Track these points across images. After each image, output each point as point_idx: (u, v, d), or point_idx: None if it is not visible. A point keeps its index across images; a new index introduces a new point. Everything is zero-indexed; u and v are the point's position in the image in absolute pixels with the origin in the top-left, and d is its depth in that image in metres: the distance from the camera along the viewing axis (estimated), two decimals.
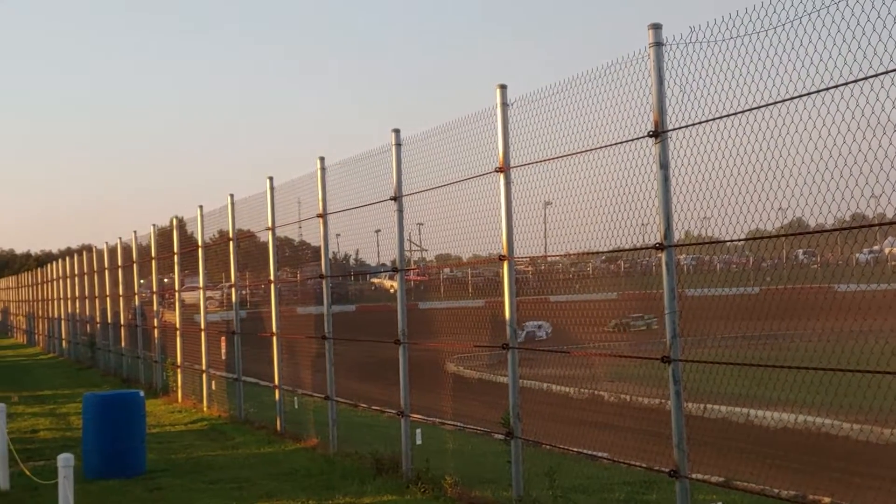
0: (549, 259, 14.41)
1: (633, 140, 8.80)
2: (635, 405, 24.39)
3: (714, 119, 7.98)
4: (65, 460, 9.09)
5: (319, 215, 15.59)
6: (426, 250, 16.74)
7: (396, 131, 12.97)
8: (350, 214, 15.02)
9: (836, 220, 7.61)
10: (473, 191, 11.54)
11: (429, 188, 12.46)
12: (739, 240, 8.44)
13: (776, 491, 9.65)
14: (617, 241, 9.43)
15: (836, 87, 6.92)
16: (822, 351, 9.52)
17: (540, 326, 15.81)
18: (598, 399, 27.84)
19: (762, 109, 7.57)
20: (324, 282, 15.55)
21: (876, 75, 6.72)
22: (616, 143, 9.04)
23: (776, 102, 7.41)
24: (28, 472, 12.76)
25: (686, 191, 8.35)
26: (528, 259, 13.74)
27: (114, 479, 13.44)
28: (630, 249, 9.49)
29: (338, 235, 17.16)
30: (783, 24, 7.39)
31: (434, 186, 12.35)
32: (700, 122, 8.10)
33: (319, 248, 15.84)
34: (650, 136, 8.48)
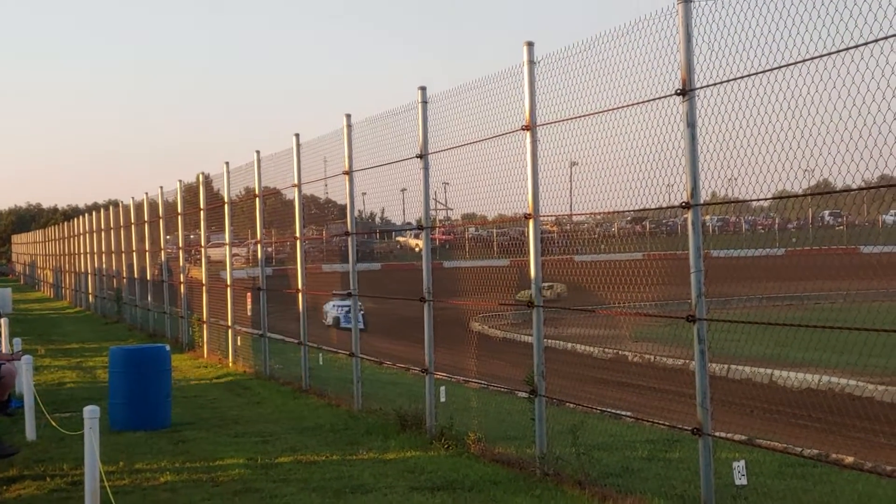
0: (574, 219, 14.39)
1: (660, 98, 8.75)
2: (659, 365, 24.44)
3: (742, 77, 7.93)
4: (91, 412, 9.19)
5: (345, 172, 15.60)
6: (451, 209, 16.76)
7: (423, 89, 12.94)
8: (376, 173, 15.02)
9: (863, 182, 7.56)
10: (500, 149, 11.51)
11: (455, 146, 12.44)
12: (765, 199, 8.41)
13: (798, 449, 9.67)
14: (643, 202, 9.40)
15: (866, 44, 6.85)
16: (847, 311, 9.50)
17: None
18: (622, 359, 27.93)
19: (790, 68, 7.51)
20: (349, 239, 15.58)
21: None
22: (643, 102, 8.99)
23: (804, 61, 7.35)
24: (55, 424, 12.91)
25: (713, 150, 8.31)
26: (553, 219, 13.73)
27: (139, 432, 13.59)
28: (657, 209, 9.47)
29: (364, 194, 17.19)
30: None
31: (460, 144, 12.33)
32: (728, 81, 8.05)
33: (345, 206, 15.86)
34: (678, 95, 8.43)
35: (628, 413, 14.18)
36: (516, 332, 28.99)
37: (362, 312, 34.18)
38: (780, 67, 7.61)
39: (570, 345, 28.20)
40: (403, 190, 14.84)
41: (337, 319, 31.32)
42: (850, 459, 9.39)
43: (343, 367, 16.35)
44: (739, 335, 8.64)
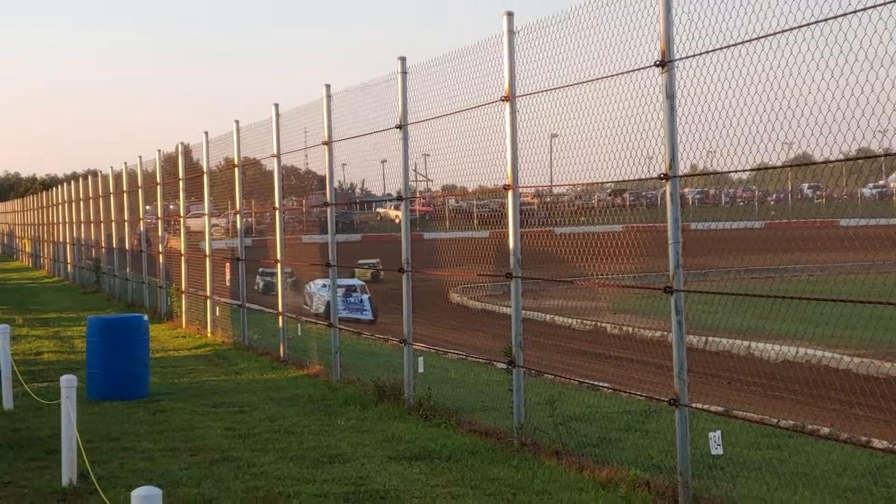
0: (554, 191, 14.38)
1: (639, 69, 8.73)
2: (637, 337, 24.53)
3: (721, 48, 7.91)
4: (68, 381, 9.17)
5: (325, 142, 15.54)
6: (432, 181, 16.73)
7: (402, 59, 12.88)
8: (356, 145, 14.98)
9: (842, 155, 7.58)
10: (480, 120, 11.49)
11: (434, 117, 12.41)
12: (742, 170, 8.41)
13: (775, 420, 9.73)
14: (623, 174, 9.40)
15: (844, 15, 6.84)
16: (825, 284, 9.54)
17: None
18: (601, 331, 28.01)
19: (770, 39, 7.50)
20: (328, 209, 15.54)
21: (884, 3, 6.64)
22: (622, 73, 8.97)
23: (783, 31, 7.33)
24: (32, 393, 12.87)
25: (692, 123, 8.29)
26: (533, 191, 13.72)
27: (117, 401, 13.56)
28: (635, 180, 9.47)
29: (343, 165, 17.13)
30: None
31: (439, 115, 12.30)
32: (707, 52, 8.03)
33: (325, 176, 15.81)
34: (657, 66, 8.41)
35: (606, 384, 14.24)
36: (495, 303, 29.02)
37: (368, 297, 33.57)
38: (759, 38, 7.59)
39: (549, 316, 28.25)
40: (384, 161, 14.81)
41: (327, 306, 27.89)
42: (825, 430, 9.46)
43: (322, 338, 16.34)
44: (718, 307, 8.66)
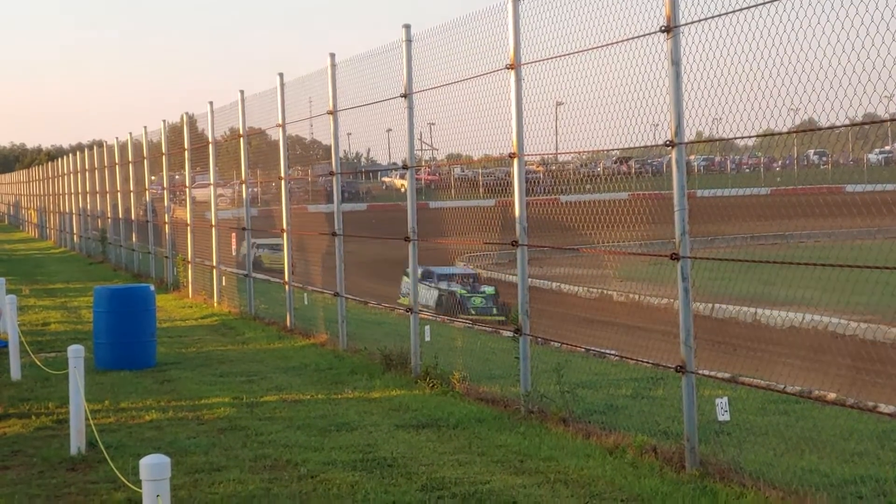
0: (560, 160, 14.35)
1: (644, 36, 8.68)
2: (644, 305, 24.54)
3: (727, 14, 7.85)
4: (75, 351, 9.19)
5: (330, 112, 15.50)
6: (437, 149, 16.68)
7: (407, 27, 12.82)
8: (362, 114, 14.94)
9: (848, 121, 7.54)
10: (485, 89, 11.45)
11: (439, 85, 12.37)
12: (747, 136, 8.38)
13: (781, 386, 9.74)
14: (628, 142, 9.37)
15: None
16: (831, 250, 9.52)
17: None
18: (608, 299, 28.00)
19: (775, 4, 7.45)
20: (334, 179, 15.52)
21: None
22: (628, 39, 8.93)
23: None
24: (39, 363, 12.91)
25: (698, 89, 8.26)
26: (538, 159, 13.68)
27: (124, 371, 13.61)
28: (641, 147, 9.45)
29: (349, 135, 17.11)
30: None
31: (444, 84, 12.26)
32: (713, 17, 7.98)
33: (330, 146, 15.78)
34: (662, 32, 8.36)
35: (613, 352, 14.25)
36: (501, 271, 29.01)
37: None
38: (764, 3, 7.54)
39: (556, 285, 28.25)
40: (389, 130, 14.77)
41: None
42: (832, 396, 9.48)
43: (328, 307, 16.36)
44: (724, 273, 8.66)
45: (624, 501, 7.54)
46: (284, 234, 17.76)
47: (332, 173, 15.59)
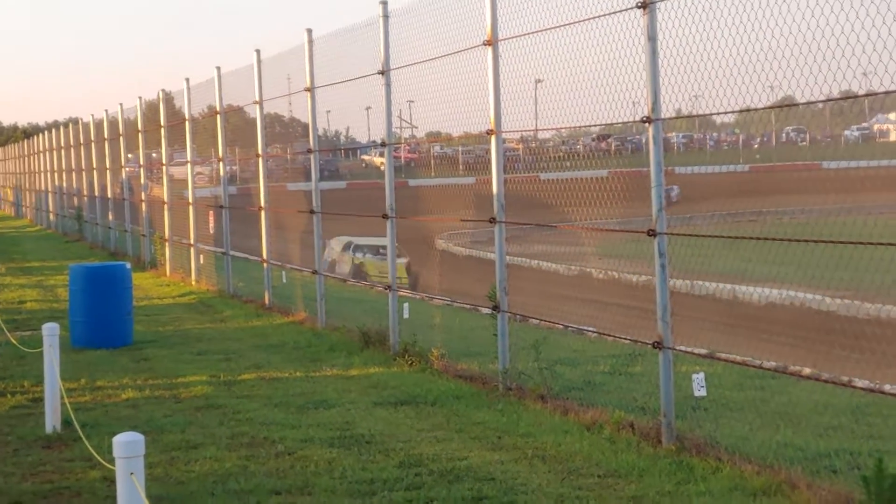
0: (539, 137, 14.33)
1: (621, 11, 8.65)
2: (623, 282, 24.58)
3: None
4: (50, 329, 9.14)
5: (307, 89, 15.42)
6: (416, 127, 16.64)
7: (384, 2, 12.75)
8: (341, 91, 14.86)
9: (825, 97, 7.54)
10: (464, 66, 11.41)
11: (417, 62, 12.32)
12: (724, 112, 8.36)
13: (758, 362, 9.77)
14: (607, 118, 9.35)
15: None
16: (809, 226, 9.54)
17: None
18: (587, 276, 28.04)
19: None
20: (312, 156, 15.46)
21: None
22: (604, 15, 8.89)
23: None
24: (15, 342, 12.84)
25: (676, 65, 8.24)
26: (518, 137, 13.66)
27: (100, 350, 13.54)
28: (618, 123, 9.43)
29: (328, 112, 17.02)
30: None
31: (422, 60, 12.21)
32: None
33: (308, 124, 15.71)
34: (638, 7, 8.33)
35: (591, 328, 14.27)
36: (480, 249, 29.02)
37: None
38: None
39: (535, 262, 28.27)
40: (368, 108, 14.73)
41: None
42: (807, 371, 9.51)
43: (307, 285, 16.33)
44: (703, 250, 8.66)
45: (601, 477, 7.56)
46: (262, 212, 17.68)
47: (309, 151, 15.53)
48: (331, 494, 7.29)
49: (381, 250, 26.09)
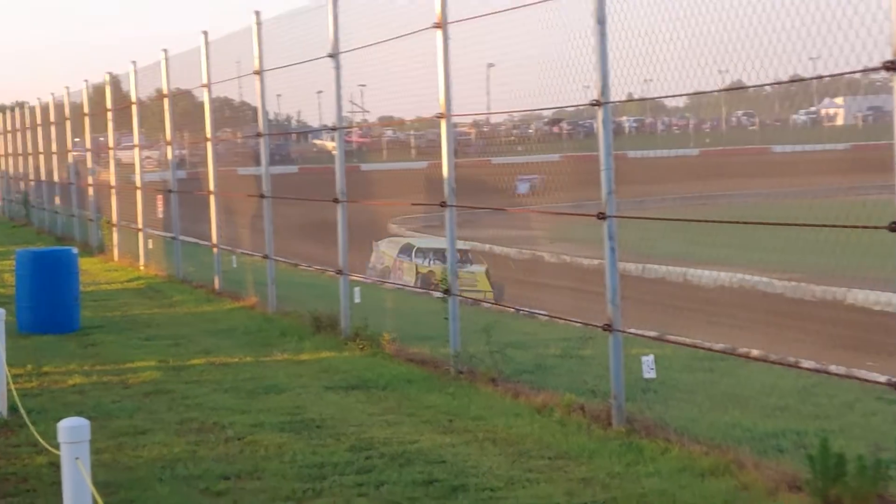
0: (492, 122, 14.35)
1: None
2: (575, 265, 24.70)
3: None
4: None
5: (256, 72, 15.29)
6: (368, 112, 16.58)
7: None
8: (291, 75, 14.75)
9: (774, 81, 7.60)
10: (414, 49, 11.37)
11: (368, 45, 12.25)
12: (674, 95, 8.41)
13: (707, 344, 9.85)
14: (557, 102, 9.37)
15: None
16: (758, 209, 9.60)
17: None
18: (539, 260, 28.16)
19: None
20: (261, 140, 15.35)
21: None
22: None
23: None
24: None
25: (627, 49, 8.25)
26: (470, 121, 13.67)
27: (47, 335, 13.36)
28: (569, 107, 9.47)
29: (278, 96, 16.91)
30: None
31: (373, 43, 12.14)
32: None
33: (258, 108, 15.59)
34: None
35: (543, 311, 14.33)
36: (433, 233, 29.02)
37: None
38: None
39: (487, 246, 28.34)
40: (320, 92, 14.65)
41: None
42: (756, 352, 9.60)
43: (257, 269, 16.24)
44: (653, 234, 8.71)
45: (551, 459, 7.57)
46: (211, 197, 17.54)
47: (259, 134, 15.42)
48: (280, 479, 7.25)
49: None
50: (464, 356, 10.48)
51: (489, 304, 12.17)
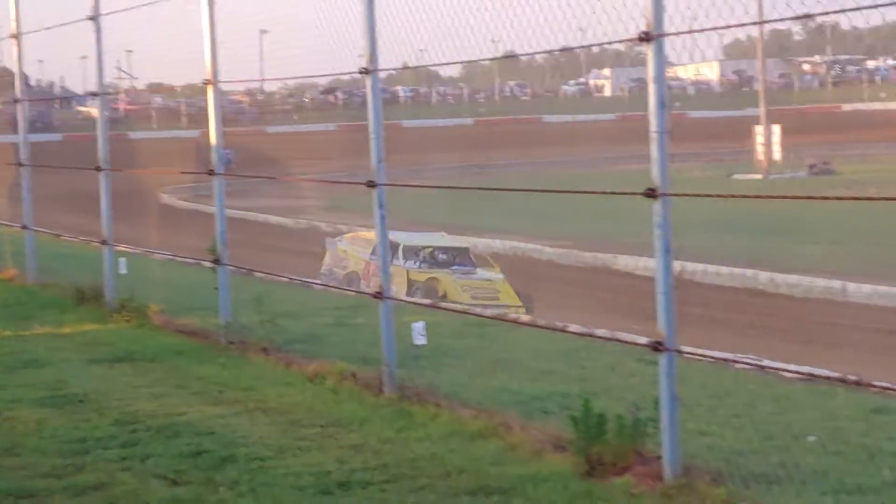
0: (266, 90, 14.12)
1: None
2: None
3: None
4: None
5: (13, 35, 14.57)
6: (136, 78, 16.06)
7: None
8: (54, 40, 14.15)
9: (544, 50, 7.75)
10: (182, 13, 11.08)
11: (132, 7, 11.85)
12: (446, 63, 8.47)
13: (478, 310, 10.03)
14: (330, 71, 9.30)
15: None
16: (531, 178, 9.80)
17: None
18: (316, 230, 28.07)
19: None
20: (18, 106, 14.68)
21: None
22: None
23: None
24: None
25: (399, 17, 8.25)
26: (243, 89, 13.40)
27: None
28: (340, 75, 9.41)
29: (41, 62, 16.21)
30: None
31: (137, 6, 11.76)
32: None
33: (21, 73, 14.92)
34: None
35: (316, 281, 14.26)
36: (204, 203, 28.49)
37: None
38: None
39: (263, 216, 28.06)
40: (84, 57, 14.11)
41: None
42: (526, 318, 9.85)
43: (16, 241, 15.54)
44: (429, 203, 8.76)
45: (323, 426, 7.54)
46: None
47: (17, 100, 14.74)
48: (40, 455, 6.97)
49: (443, 255, 17.65)
50: (235, 326, 10.31)
51: (262, 275, 12.00)
